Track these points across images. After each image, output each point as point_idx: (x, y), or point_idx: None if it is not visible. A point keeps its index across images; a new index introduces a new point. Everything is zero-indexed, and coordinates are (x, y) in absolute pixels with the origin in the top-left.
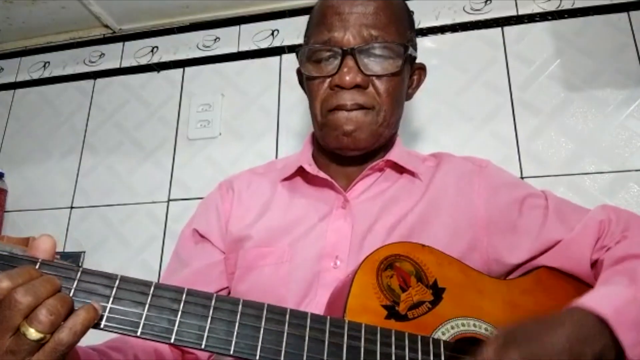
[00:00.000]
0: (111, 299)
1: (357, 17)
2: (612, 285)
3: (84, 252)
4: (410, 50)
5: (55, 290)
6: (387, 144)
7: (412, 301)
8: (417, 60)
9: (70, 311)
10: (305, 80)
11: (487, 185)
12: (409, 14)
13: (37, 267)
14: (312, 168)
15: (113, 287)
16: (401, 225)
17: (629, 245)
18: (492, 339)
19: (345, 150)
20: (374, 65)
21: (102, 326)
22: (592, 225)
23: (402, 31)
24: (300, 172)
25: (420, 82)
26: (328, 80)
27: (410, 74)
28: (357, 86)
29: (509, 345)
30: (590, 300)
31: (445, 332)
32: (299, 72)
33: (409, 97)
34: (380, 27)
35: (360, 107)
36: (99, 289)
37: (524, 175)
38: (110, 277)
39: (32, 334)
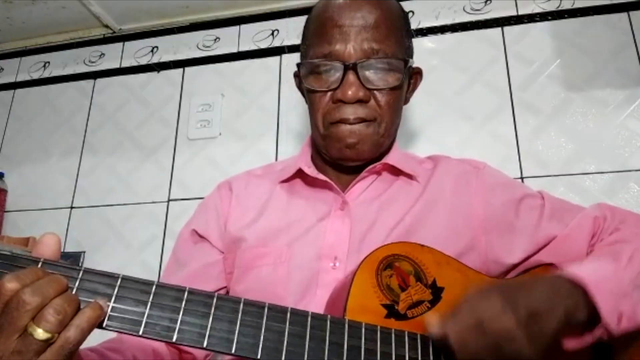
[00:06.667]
0: (113, 298)
1: (357, 30)
2: (594, 261)
3: (84, 252)
4: (410, 62)
5: (62, 290)
6: (386, 149)
7: (412, 300)
8: (417, 60)
9: (77, 310)
10: (306, 92)
11: (484, 186)
12: (407, 20)
13: (39, 266)
14: (311, 170)
15: (115, 287)
16: (399, 226)
17: (620, 235)
18: (473, 291)
19: (348, 161)
20: (375, 79)
21: (104, 325)
22: (587, 222)
23: (401, 42)
24: (299, 174)
25: (416, 85)
26: (330, 93)
27: (407, 80)
28: (359, 100)
29: (488, 290)
30: (572, 269)
31: None
32: (296, 75)
33: (406, 101)
34: (380, 40)
35: (362, 120)
36: (100, 289)
37: (524, 175)
38: (112, 276)
39: (40, 334)
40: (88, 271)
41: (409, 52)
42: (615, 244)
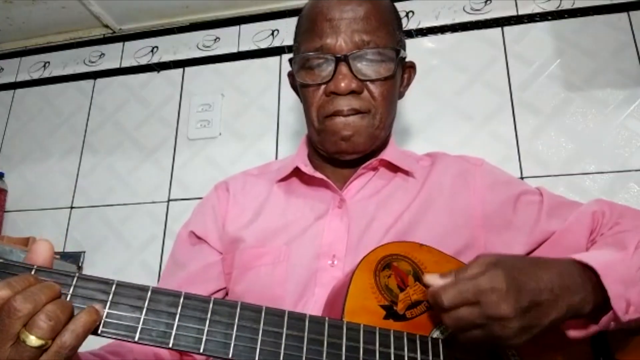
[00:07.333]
0: (108, 304)
1: (347, 22)
2: (601, 249)
3: (84, 252)
4: (402, 53)
5: (55, 296)
6: (382, 145)
7: (410, 301)
8: (417, 60)
9: (71, 316)
10: (299, 87)
11: (483, 184)
12: (397, 14)
13: (32, 273)
14: (308, 169)
15: (110, 292)
16: (398, 224)
17: (620, 227)
18: (484, 256)
19: (344, 155)
20: (368, 70)
21: (99, 332)
22: (586, 217)
23: (392, 33)
24: (296, 173)
25: (410, 80)
26: (323, 87)
27: (401, 73)
28: (352, 92)
29: (498, 265)
30: (581, 255)
31: (444, 331)
32: (290, 75)
33: (400, 95)
34: (371, 31)
35: (357, 111)
36: (95, 295)
37: (524, 175)
38: (107, 282)
39: (33, 340)
40: (82, 277)
41: (400, 44)
42: (619, 234)
